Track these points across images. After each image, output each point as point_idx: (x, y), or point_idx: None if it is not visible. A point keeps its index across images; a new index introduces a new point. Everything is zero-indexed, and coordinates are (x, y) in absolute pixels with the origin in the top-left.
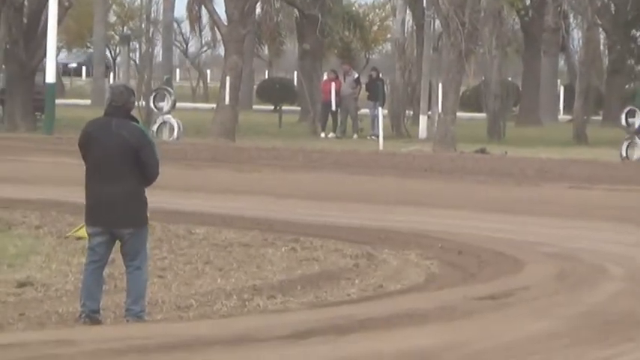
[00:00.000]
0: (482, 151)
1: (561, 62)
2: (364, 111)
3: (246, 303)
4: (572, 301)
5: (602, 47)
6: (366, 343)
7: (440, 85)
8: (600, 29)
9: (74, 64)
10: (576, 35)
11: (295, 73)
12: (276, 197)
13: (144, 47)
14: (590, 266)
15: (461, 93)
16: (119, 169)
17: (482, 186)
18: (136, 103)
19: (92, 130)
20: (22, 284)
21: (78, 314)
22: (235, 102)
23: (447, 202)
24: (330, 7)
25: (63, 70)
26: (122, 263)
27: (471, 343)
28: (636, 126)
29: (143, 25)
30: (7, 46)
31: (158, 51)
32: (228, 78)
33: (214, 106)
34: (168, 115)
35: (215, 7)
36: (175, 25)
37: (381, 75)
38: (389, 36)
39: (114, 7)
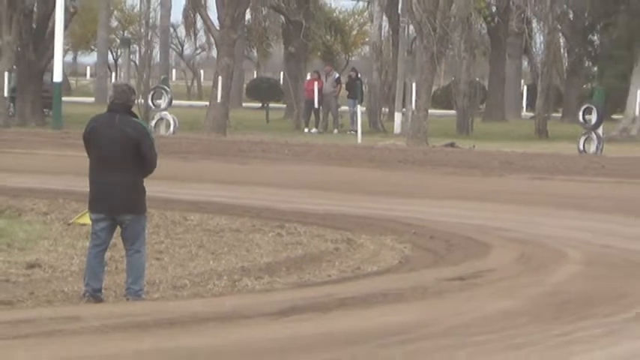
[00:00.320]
0: (452, 145)
1: (524, 64)
2: (344, 108)
3: (236, 283)
4: (533, 282)
5: (562, 50)
6: (345, 320)
7: (413, 85)
8: (560, 34)
9: None
10: (538, 39)
11: (281, 73)
12: (264, 187)
13: (143, 49)
14: (550, 250)
15: (432, 92)
16: (121, 160)
17: (452, 177)
18: (136, 101)
19: (97, 125)
20: (31, 266)
21: (82, 293)
22: (226, 100)
23: (420, 192)
24: (313, 14)
25: None
26: (122, 247)
27: (441, 320)
28: (592, 122)
29: (142, 30)
30: (18, 49)
31: (156, 53)
32: (220, 78)
33: (207, 103)
34: (165, 112)
35: (209, 13)
36: (172, 29)
37: (359, 75)
38: (367, 40)
39: (115, 12)
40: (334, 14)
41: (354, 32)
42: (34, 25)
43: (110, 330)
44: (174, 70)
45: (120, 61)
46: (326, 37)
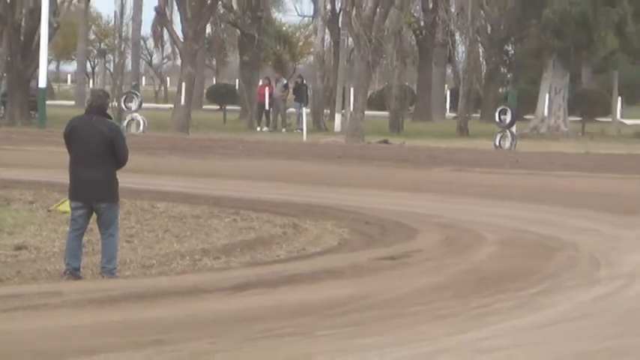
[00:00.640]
0: (385, 141)
1: (448, 71)
2: (291, 110)
3: (197, 262)
4: (456, 262)
5: (480, 59)
6: (293, 294)
7: (352, 89)
8: (479, 45)
9: None
10: (460, 49)
11: (237, 79)
12: (221, 178)
13: (117, 59)
14: (471, 234)
15: (368, 95)
16: (97, 155)
17: (385, 169)
18: (110, 104)
19: (76, 125)
20: (18, 248)
21: (63, 271)
22: (189, 103)
23: (357, 183)
24: (265, 28)
25: None
26: (98, 231)
27: (376, 294)
28: (507, 122)
29: (116, 42)
30: (8, 59)
31: (128, 62)
32: (183, 84)
33: (172, 106)
34: (136, 114)
35: (174, 27)
36: (142, 41)
37: (305, 81)
38: (311, 50)
39: (93, 27)
40: (283, 28)
41: (301, 43)
42: (22, 38)
43: (87, 303)
44: (143, 77)
45: (97, 69)
46: (276, 48)
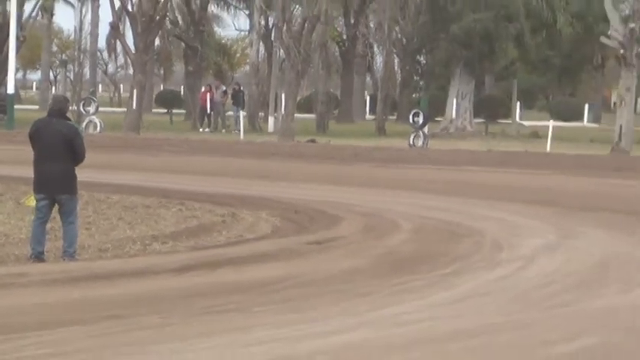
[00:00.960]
0: (313, 140)
1: (368, 78)
2: (230, 113)
3: (147, 247)
4: (375, 246)
5: (396, 68)
6: (232, 274)
7: (283, 95)
8: (395, 55)
9: None
10: (378, 60)
11: (182, 86)
12: (168, 173)
13: (76, 69)
14: (387, 221)
15: (297, 100)
16: (57, 153)
17: (313, 165)
18: (70, 108)
19: (40, 126)
20: None
21: (29, 255)
22: (140, 106)
23: (288, 177)
24: (207, 41)
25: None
26: (60, 220)
27: (305, 274)
28: (420, 123)
29: (76, 53)
30: None
31: (86, 71)
32: (135, 90)
33: (125, 109)
34: (93, 116)
35: (126, 40)
36: (99, 53)
37: (242, 87)
38: (248, 60)
39: (55, 40)
40: (223, 41)
41: (238, 55)
42: None
43: (51, 283)
44: (100, 85)
45: (59, 77)
46: (216, 59)
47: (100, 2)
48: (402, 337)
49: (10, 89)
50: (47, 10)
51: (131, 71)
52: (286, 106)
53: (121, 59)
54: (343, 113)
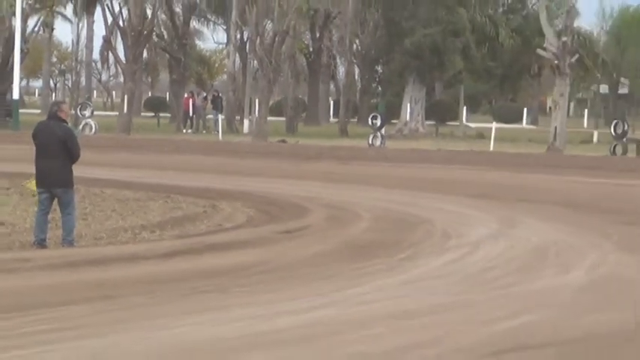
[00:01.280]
0: (283, 141)
1: (332, 86)
2: (210, 116)
3: (137, 235)
4: (338, 234)
5: (356, 77)
6: (212, 259)
7: (257, 100)
8: (355, 65)
9: None
10: (341, 69)
11: (167, 93)
12: (156, 170)
13: (73, 77)
14: (350, 212)
15: (269, 105)
16: (53, 151)
17: (284, 162)
18: (69, 112)
19: (40, 128)
20: None
21: (32, 242)
22: (130, 111)
23: (261, 173)
24: (189, 52)
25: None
26: (59, 211)
27: (276, 259)
28: (378, 125)
29: (73, 64)
30: None
31: (82, 79)
32: (125, 96)
33: (117, 113)
34: (89, 119)
35: (118, 52)
36: (93, 63)
37: (220, 94)
38: (225, 70)
39: (55, 52)
40: (203, 53)
41: (217, 65)
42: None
43: (52, 267)
44: (95, 91)
45: (58, 85)
46: (197, 68)
47: (95, 18)
48: (363, 315)
49: (15, 95)
50: (48, 25)
51: (122, 79)
52: (259, 110)
53: (113, 69)
54: (310, 116)
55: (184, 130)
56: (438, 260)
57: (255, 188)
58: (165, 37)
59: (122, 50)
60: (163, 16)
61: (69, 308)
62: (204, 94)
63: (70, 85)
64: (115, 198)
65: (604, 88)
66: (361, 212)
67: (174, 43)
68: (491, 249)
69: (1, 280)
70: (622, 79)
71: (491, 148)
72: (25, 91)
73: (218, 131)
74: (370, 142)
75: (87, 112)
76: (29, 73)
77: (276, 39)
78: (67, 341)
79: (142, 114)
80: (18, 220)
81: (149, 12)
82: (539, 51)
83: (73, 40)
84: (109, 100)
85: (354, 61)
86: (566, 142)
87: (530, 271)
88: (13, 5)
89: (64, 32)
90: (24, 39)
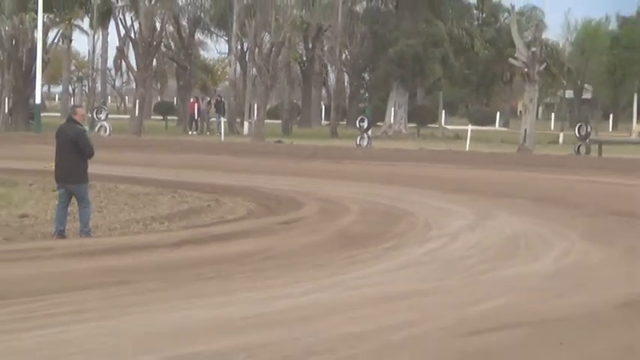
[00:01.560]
0: (279, 141)
1: (323, 91)
2: (213, 119)
3: (148, 226)
4: (329, 226)
5: (346, 83)
6: (216, 248)
7: (256, 105)
8: (345, 73)
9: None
10: (331, 76)
11: (175, 98)
12: (164, 168)
13: (90, 83)
14: (340, 206)
15: (267, 109)
16: (66, 151)
17: (280, 161)
18: (85, 115)
19: (58, 130)
20: (22, 216)
21: (53, 233)
22: (141, 114)
23: (260, 170)
24: (194, 61)
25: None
26: (77, 205)
27: (274, 248)
28: (365, 127)
29: (89, 71)
30: (14, 83)
31: (98, 86)
32: (137, 101)
33: (129, 116)
34: (104, 122)
35: (130, 61)
36: (108, 71)
37: (222, 99)
38: (227, 77)
39: (73, 61)
40: (207, 62)
41: (219, 72)
42: (23, 69)
43: (71, 255)
44: (109, 96)
45: (76, 90)
46: (202, 76)
47: (109, 31)
48: (351, 298)
49: (38, 100)
50: (66, 37)
51: (134, 86)
52: (258, 113)
53: (125, 76)
54: (304, 119)
55: (190, 132)
56: (421, 249)
57: (255, 184)
58: (173, 47)
59: (134, 59)
60: (171, 28)
61: (86, 292)
62: (208, 99)
63: (86, 91)
64: (127, 193)
65: (569, 94)
66: (350, 206)
67: (180, 53)
68: (468, 239)
69: (25, 267)
70: (585, 86)
71: (468, 148)
72: (47, 96)
73: (220, 133)
74: (358, 142)
75: (102, 116)
76: (50, 80)
77: (273, 49)
78: (84, 322)
79: (152, 117)
80: (40, 213)
81: (158, 25)
82: (511, 60)
83: (89, 51)
84: (122, 104)
85: (344, 69)
86: (535, 142)
87: (503, 259)
88: (35, 19)
89: (81, 43)
90: (45, 49)
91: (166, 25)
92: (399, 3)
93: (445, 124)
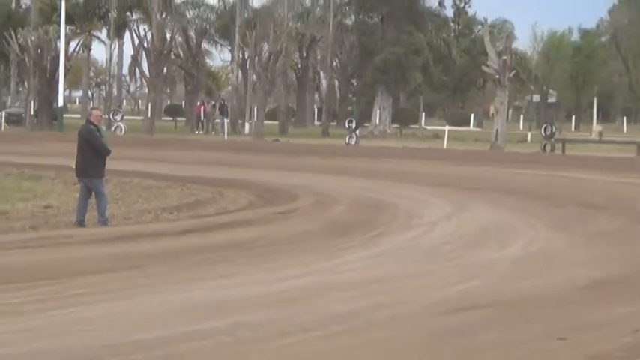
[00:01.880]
0: (277, 140)
1: (316, 95)
2: (217, 120)
3: (159, 216)
4: (322, 215)
5: (336, 88)
6: (220, 236)
7: (255, 108)
8: (335, 79)
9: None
10: (323, 82)
11: (183, 101)
12: (173, 163)
13: (107, 88)
14: (331, 197)
15: (266, 111)
16: (81, 148)
17: (277, 158)
18: (103, 116)
19: (79, 130)
20: (46, 207)
21: (74, 222)
22: (153, 116)
23: (259, 166)
24: (200, 68)
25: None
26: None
27: (272, 236)
28: (353, 127)
29: (107, 77)
30: (39, 88)
31: (114, 90)
32: (149, 104)
33: (142, 118)
34: (120, 122)
35: (143, 68)
36: (123, 77)
37: (225, 102)
38: (230, 82)
39: (92, 68)
40: (212, 69)
41: (223, 78)
42: (47, 75)
43: (89, 242)
44: (124, 100)
45: (95, 94)
46: (207, 81)
47: (124, 41)
48: (340, 281)
49: (60, 103)
50: (86, 46)
51: (146, 90)
52: (257, 115)
53: (139, 82)
54: (298, 120)
55: (196, 132)
56: (403, 237)
57: (254, 178)
58: (182, 56)
59: (146, 67)
60: (180, 39)
61: (103, 276)
62: (213, 102)
63: (104, 95)
64: (140, 186)
65: (536, 98)
66: (340, 198)
67: (188, 61)
68: (445, 228)
69: (49, 252)
70: (550, 91)
71: (445, 146)
72: (68, 99)
73: (224, 132)
74: (347, 141)
75: (118, 117)
76: (71, 85)
77: (271, 58)
78: (100, 302)
79: (163, 118)
80: (62, 204)
81: (169, 36)
82: (484, 68)
83: (106, 59)
84: (136, 107)
85: (334, 75)
86: (505, 141)
87: (476, 246)
88: (58, 31)
89: (99, 52)
90: (67, 58)
91: (176, 36)
92: (384, 16)
93: (425, 124)
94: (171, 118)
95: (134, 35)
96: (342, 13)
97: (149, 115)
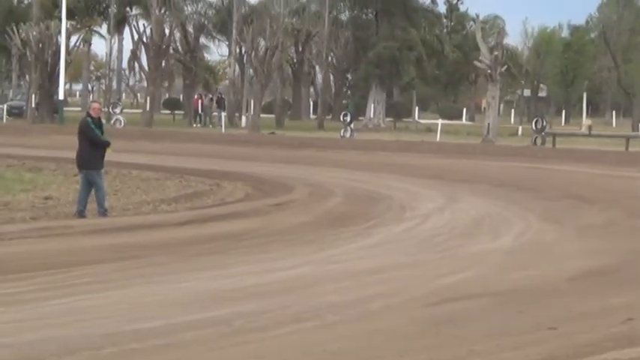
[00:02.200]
0: (273, 133)
1: (311, 89)
2: (215, 113)
3: (157, 207)
4: (317, 207)
5: (331, 82)
6: (217, 227)
7: (252, 101)
8: (330, 73)
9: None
10: (319, 76)
11: (181, 94)
12: (171, 155)
13: (107, 82)
14: (326, 190)
15: (262, 104)
16: (78, 141)
17: (274, 150)
18: (103, 109)
19: (79, 123)
20: (46, 198)
21: (74, 213)
22: (152, 109)
23: (255, 158)
24: (198, 63)
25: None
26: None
27: (268, 227)
28: (348, 121)
29: (106, 71)
30: (40, 82)
31: (114, 84)
32: (148, 97)
33: (141, 111)
34: (119, 115)
35: (142, 62)
36: (122, 71)
37: (223, 95)
38: (227, 76)
39: (92, 62)
40: (210, 63)
41: (220, 72)
42: (48, 69)
43: (89, 233)
44: (124, 93)
45: (94, 88)
46: (205, 75)
47: (124, 36)
48: (335, 272)
49: (61, 96)
50: (86, 41)
51: (145, 84)
52: (254, 108)
53: (138, 75)
54: (294, 114)
55: (194, 125)
56: (396, 228)
57: (251, 170)
58: (180, 50)
59: (145, 61)
60: (178, 34)
61: (102, 266)
62: (211, 96)
63: (104, 89)
64: (139, 178)
65: (527, 92)
66: (335, 190)
67: (187, 55)
68: (438, 219)
69: (50, 242)
70: (541, 85)
71: (438, 139)
72: (69, 93)
73: (221, 125)
74: (342, 134)
75: (117, 110)
76: (72, 78)
77: (268, 52)
78: (99, 292)
79: (161, 111)
80: (63, 195)
81: (167, 31)
82: (476, 63)
83: (106, 53)
84: (135, 100)
85: (329, 70)
86: (497, 135)
87: (468, 237)
88: (59, 26)
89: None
90: (68, 52)
91: (174, 31)
92: (378, 12)
93: (418, 118)
94: (169, 112)
95: (133, 30)
96: (337, 9)
97: (148, 108)
